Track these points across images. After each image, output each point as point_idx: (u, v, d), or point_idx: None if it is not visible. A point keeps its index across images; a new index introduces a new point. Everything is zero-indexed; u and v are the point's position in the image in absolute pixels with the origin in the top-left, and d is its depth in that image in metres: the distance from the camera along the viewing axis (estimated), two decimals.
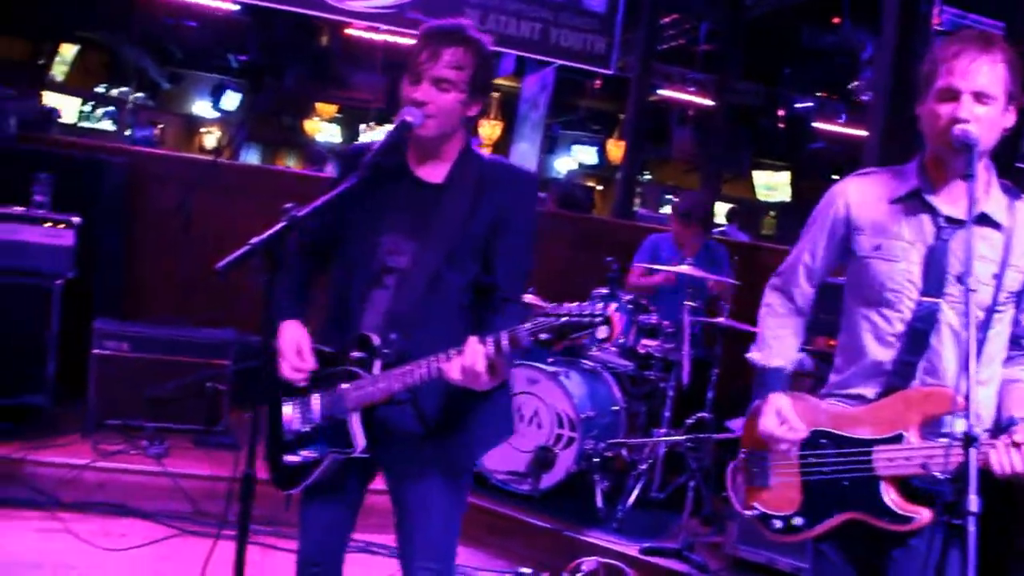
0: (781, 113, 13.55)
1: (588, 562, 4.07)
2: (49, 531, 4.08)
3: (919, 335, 2.25)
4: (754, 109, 13.94)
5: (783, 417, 2.35)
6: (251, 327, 5.33)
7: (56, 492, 4.31)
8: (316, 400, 2.44)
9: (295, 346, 2.42)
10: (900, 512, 2.19)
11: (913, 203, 2.29)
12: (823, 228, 2.44)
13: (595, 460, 4.63)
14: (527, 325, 2.08)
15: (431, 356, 2.21)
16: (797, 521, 2.35)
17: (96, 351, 4.82)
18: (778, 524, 2.38)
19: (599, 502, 4.58)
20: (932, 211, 2.26)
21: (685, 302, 4.72)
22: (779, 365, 2.48)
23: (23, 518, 4.16)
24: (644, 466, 4.70)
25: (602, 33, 7.56)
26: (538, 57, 7.65)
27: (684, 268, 4.78)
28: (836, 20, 9.90)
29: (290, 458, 2.47)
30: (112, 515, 4.29)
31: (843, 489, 2.27)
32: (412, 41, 2.43)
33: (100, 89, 16.61)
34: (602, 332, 2.03)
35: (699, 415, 4.85)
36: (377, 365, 2.33)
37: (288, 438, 2.48)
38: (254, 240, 2.07)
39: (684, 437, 4.57)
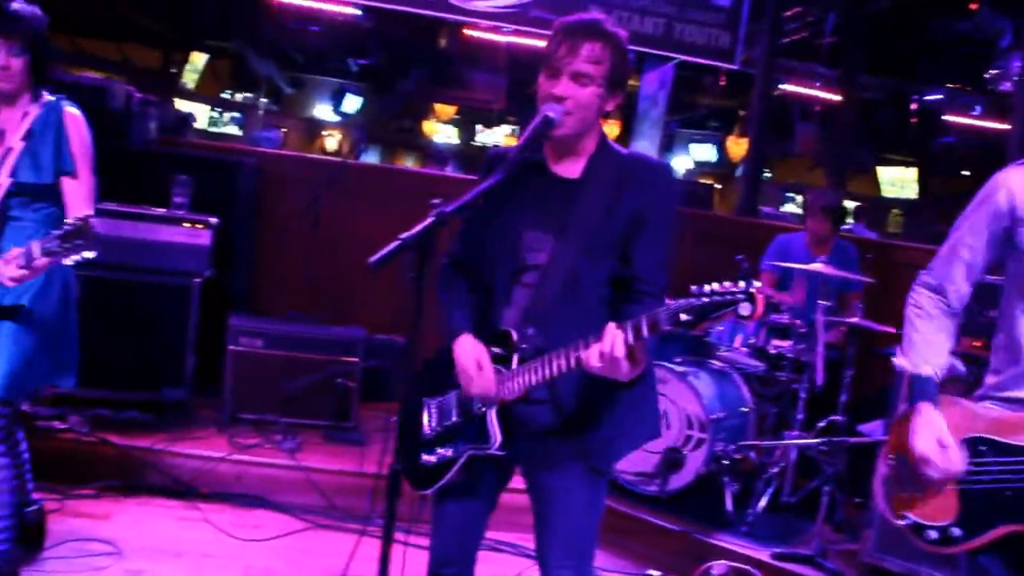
0: (913, 107, 13.03)
1: (718, 565, 3.98)
2: (188, 520, 4.22)
3: None
4: (880, 103, 13.45)
5: (943, 442, 2.23)
6: (374, 325, 5.45)
7: (194, 482, 4.45)
8: (453, 397, 2.46)
9: (475, 362, 2.36)
10: None
11: None
12: (983, 221, 2.31)
13: (724, 462, 4.53)
14: (664, 308, 2.03)
15: (569, 347, 2.19)
16: (955, 532, 2.22)
17: (232, 347, 4.98)
18: (933, 535, 2.26)
19: (728, 505, 4.48)
20: None
21: (818, 301, 4.57)
22: (929, 374, 2.33)
23: (165, 507, 4.32)
24: (775, 470, 4.58)
25: (727, 27, 7.42)
26: (662, 53, 7.54)
27: (817, 267, 4.63)
28: (974, 6, 9.46)
29: (427, 457, 2.48)
30: (248, 507, 4.42)
31: (1006, 499, 2.15)
32: (534, 41, 2.43)
33: (227, 95, 17.19)
34: (745, 309, 1.96)
35: (831, 418, 4.70)
36: (515, 360, 2.33)
37: (426, 437, 2.50)
38: (404, 235, 2.08)
39: (818, 440, 4.42)
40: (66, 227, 2.68)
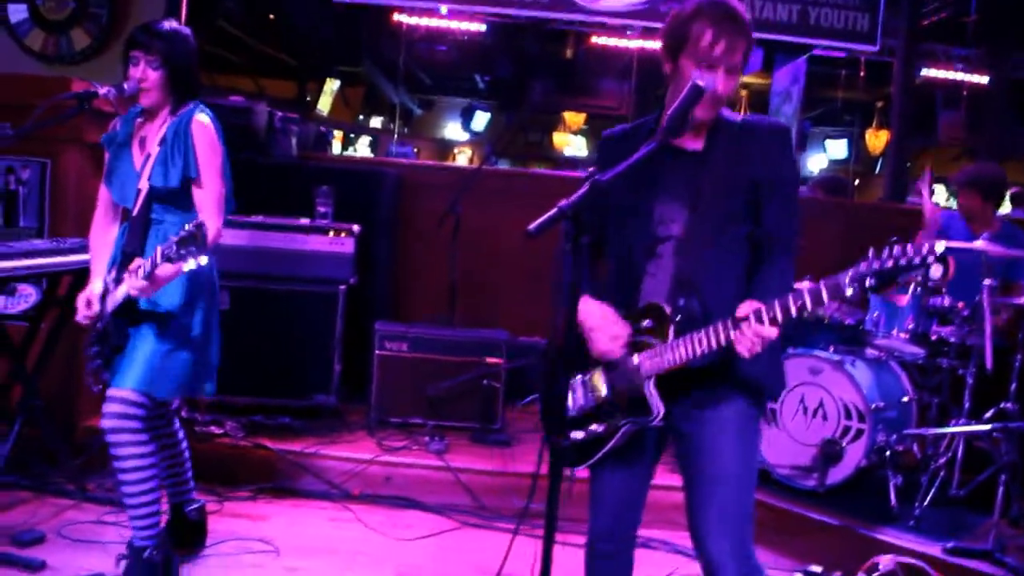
0: None
1: (886, 561, 3.75)
2: (341, 520, 4.28)
3: None
4: None
5: None
6: (515, 328, 5.45)
7: (345, 484, 4.52)
8: (600, 375, 2.44)
9: (602, 315, 2.41)
10: None
11: None
12: None
13: (886, 454, 4.31)
14: (848, 272, 1.99)
15: (719, 324, 2.20)
16: None
17: (378, 352, 5.06)
18: None
19: (892, 500, 4.25)
20: None
21: (983, 282, 4.30)
22: None
23: (318, 507, 4.40)
24: (941, 460, 4.32)
25: (864, 8, 7.13)
26: (798, 40, 7.30)
27: (980, 244, 4.36)
28: None
29: (577, 434, 2.45)
30: (398, 507, 4.46)
31: None
32: (658, 44, 2.44)
33: (359, 120, 17.67)
34: (937, 271, 1.92)
35: (1001, 406, 4.41)
36: (671, 332, 2.30)
37: (573, 414, 2.47)
38: (562, 203, 2.07)
39: (990, 427, 4.15)
40: (181, 233, 2.76)
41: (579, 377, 2.49)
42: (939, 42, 11.68)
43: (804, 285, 2.10)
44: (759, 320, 2.14)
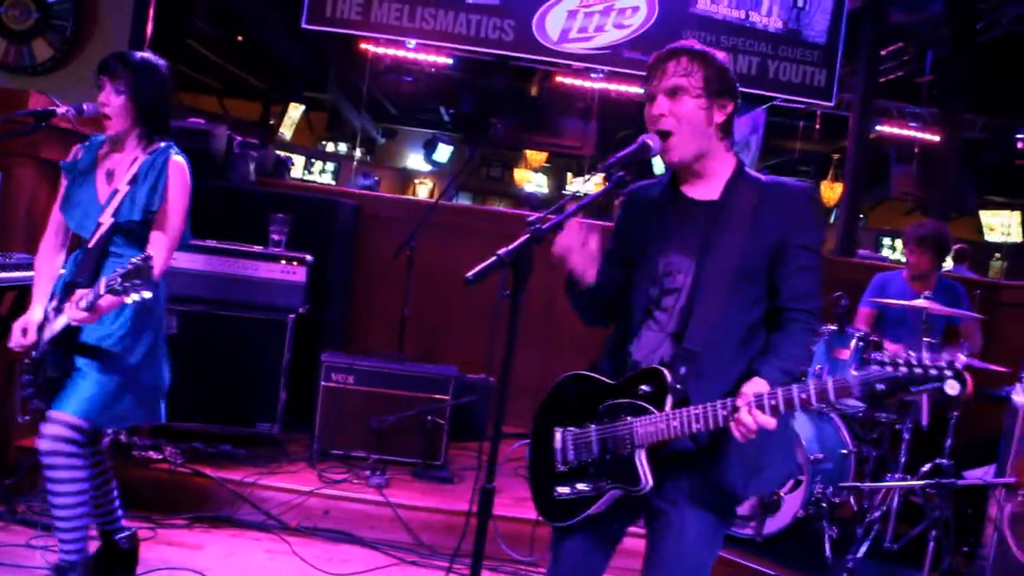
0: (1018, 146, 12.58)
1: None
2: (276, 552, 4.23)
3: None
4: (983, 143, 13.03)
5: None
6: (467, 364, 5.45)
7: (283, 516, 4.48)
8: (595, 432, 2.37)
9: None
10: None
11: None
12: None
13: (823, 506, 4.36)
14: (857, 375, 1.95)
15: (718, 404, 2.15)
16: None
17: (324, 383, 5.02)
18: None
19: (827, 550, 4.30)
20: None
21: (923, 339, 4.40)
22: None
23: (254, 538, 4.34)
24: (876, 514, 4.38)
25: (822, 65, 7.31)
26: (757, 92, 7.46)
27: (920, 302, 4.46)
28: None
29: (562, 490, 2.40)
30: (335, 541, 4.41)
31: None
32: (624, 87, 2.48)
33: (322, 146, 17.67)
34: (952, 387, 1.85)
35: (936, 462, 4.49)
36: (669, 401, 2.25)
37: (560, 469, 2.41)
38: (501, 251, 2.07)
39: (924, 482, 4.22)
40: (128, 266, 2.76)
41: (571, 431, 2.41)
42: (894, 100, 11.98)
43: (812, 383, 2.04)
44: (759, 407, 2.08)
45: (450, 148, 17.13)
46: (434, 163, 17.46)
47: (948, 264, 10.49)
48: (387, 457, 4.97)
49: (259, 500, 4.51)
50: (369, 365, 5.07)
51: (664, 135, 2.31)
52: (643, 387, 2.28)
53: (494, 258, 2.05)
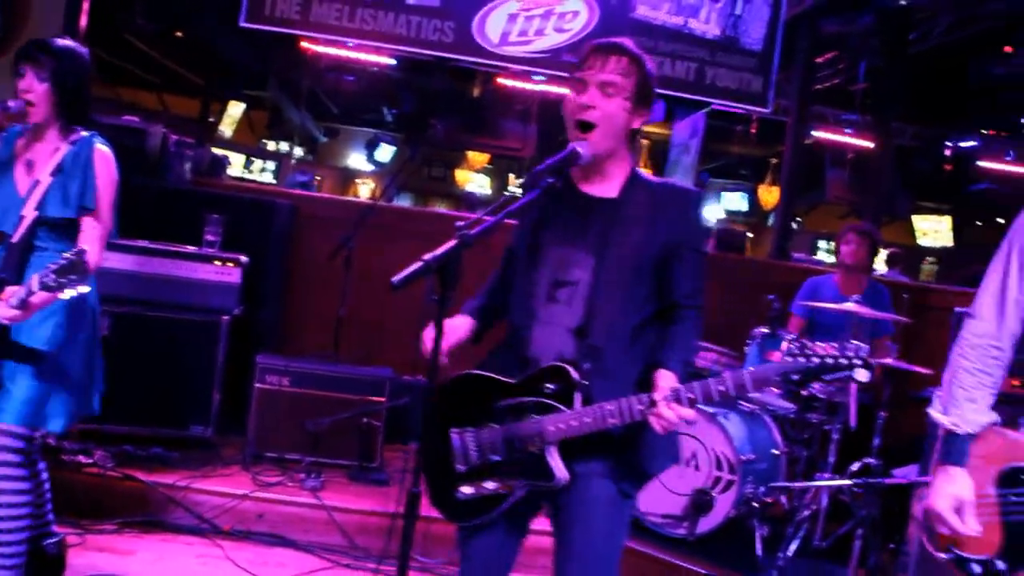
0: (947, 154, 12.94)
1: None
2: (209, 557, 4.18)
3: None
4: (914, 150, 13.37)
5: (960, 505, 2.20)
6: (403, 365, 5.43)
7: (217, 520, 4.43)
8: (499, 431, 2.38)
9: (451, 329, 2.47)
10: None
11: None
12: None
13: (754, 505, 4.44)
14: (773, 366, 2.06)
15: (633, 399, 2.20)
16: (998, 565, 2.17)
17: (258, 385, 4.97)
18: (977, 568, 2.20)
19: (758, 549, 4.38)
20: None
21: (851, 342, 4.48)
22: (968, 432, 2.27)
23: (186, 543, 4.29)
24: (806, 513, 4.47)
25: (758, 72, 7.43)
26: (694, 98, 7.57)
27: (849, 306, 4.56)
28: (1008, 49, 9.42)
29: (466, 490, 2.41)
30: (269, 545, 4.37)
31: None
32: (565, 90, 2.48)
33: (263, 144, 17.47)
34: (862, 375, 1.99)
35: (865, 461, 4.59)
36: (578, 399, 2.28)
37: (461, 469, 2.43)
38: (427, 257, 2.07)
39: (851, 482, 4.31)
40: (61, 261, 2.70)
41: (470, 431, 2.43)
42: (831, 106, 12.22)
43: (729, 376, 2.12)
44: (677, 400, 2.15)
45: (392, 148, 17.06)
46: (376, 163, 17.38)
47: (883, 268, 10.74)
48: (322, 459, 4.93)
49: (192, 504, 4.45)
50: (304, 367, 5.03)
51: (586, 127, 2.34)
52: (548, 385, 2.31)
53: (420, 263, 2.05)
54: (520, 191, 2.49)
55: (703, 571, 4.26)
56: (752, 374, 2.08)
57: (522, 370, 2.39)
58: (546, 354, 2.37)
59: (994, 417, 2.29)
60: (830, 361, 2.00)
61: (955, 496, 2.22)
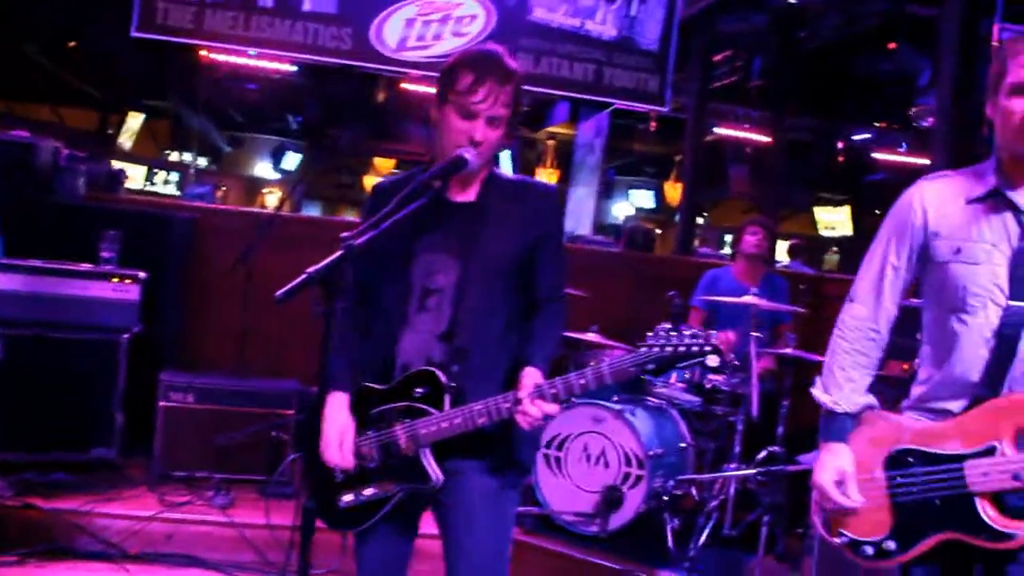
0: (839, 146, 13.36)
1: None
2: None
3: (1008, 342, 2.14)
4: (811, 144, 13.77)
5: (842, 479, 2.29)
6: (309, 377, 5.37)
7: (123, 543, 4.32)
8: (374, 438, 2.40)
9: (339, 437, 2.40)
10: (1000, 529, 2.08)
11: (993, 202, 2.19)
12: (902, 239, 2.32)
13: (664, 499, 4.51)
14: (629, 357, 2.12)
15: (499, 399, 2.24)
16: (889, 545, 2.23)
17: (162, 403, 4.87)
18: (869, 550, 2.26)
19: (670, 542, 4.45)
20: (1015, 209, 2.16)
21: (750, 333, 4.61)
22: (847, 411, 2.35)
23: (92, 569, 4.17)
24: (715, 503, 4.57)
25: (655, 71, 7.57)
26: (592, 98, 7.68)
27: (747, 299, 4.68)
28: (892, 46, 9.78)
29: (347, 498, 2.43)
30: (178, 566, 4.28)
31: (936, 508, 2.16)
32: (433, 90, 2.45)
33: (165, 155, 17.11)
34: (713, 360, 2.07)
35: (770, 450, 4.71)
36: (447, 401, 2.31)
37: (340, 478, 2.44)
38: (311, 269, 2.06)
39: (754, 471, 4.43)
40: None
41: None
42: (729, 103, 12.51)
43: (589, 370, 2.18)
44: (541, 396, 2.19)
45: (299, 156, 16.87)
46: (282, 171, 17.18)
47: (785, 259, 11.01)
48: (231, 476, 4.84)
49: (97, 529, 4.33)
50: (209, 382, 4.94)
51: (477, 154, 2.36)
52: (418, 389, 2.35)
53: (304, 276, 2.04)
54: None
55: (617, 566, 4.32)
56: (610, 366, 2.15)
57: (394, 376, 2.42)
58: (416, 359, 2.40)
59: (871, 399, 2.38)
60: (682, 349, 2.08)
61: (837, 469, 2.30)
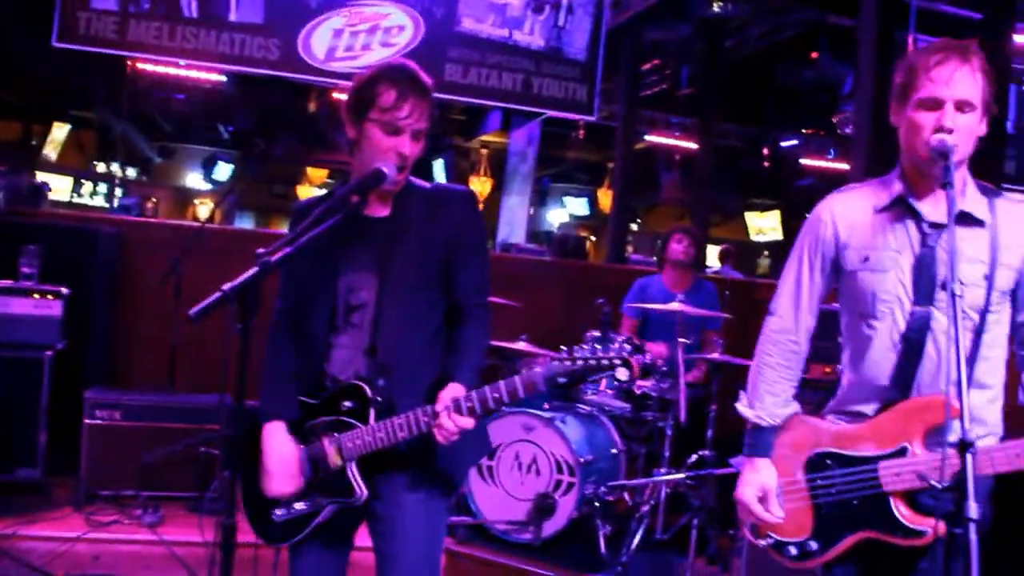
0: (766, 152, 13.62)
1: None
2: None
3: (914, 345, 2.20)
4: (740, 150, 14.01)
5: (764, 495, 2.34)
6: (239, 393, 5.30)
7: (49, 566, 4.23)
8: (304, 452, 2.41)
9: (282, 464, 2.40)
10: (912, 526, 2.14)
11: (897, 210, 2.26)
12: (815, 252, 2.38)
13: (596, 505, 4.55)
14: (540, 371, 2.14)
15: (419, 411, 2.25)
16: (812, 545, 2.29)
17: (88, 421, 4.78)
18: (793, 551, 2.32)
19: (602, 547, 4.49)
20: (917, 217, 2.23)
21: (679, 339, 4.68)
22: (771, 424, 2.40)
23: None
24: (646, 508, 4.62)
25: (583, 80, 7.65)
26: (521, 108, 7.74)
27: (675, 306, 4.75)
28: (814, 55, 10.01)
29: (279, 512, 2.42)
30: None
31: (854, 508, 2.23)
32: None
33: (93, 166, 16.76)
34: (622, 374, 2.10)
35: (700, 453, 4.79)
36: (372, 415, 2.33)
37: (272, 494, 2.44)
38: (226, 286, 2.04)
39: (683, 475, 4.49)
40: None
41: None
42: (660, 111, 12.67)
43: (503, 384, 2.19)
44: (458, 411, 2.21)
45: (230, 166, 16.65)
46: (214, 182, 16.92)
47: (716, 264, 11.19)
48: (160, 493, 4.77)
49: (20, 552, 4.22)
50: (137, 399, 4.86)
51: (400, 169, 2.36)
52: (346, 403, 2.37)
53: (219, 293, 2.02)
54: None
55: (550, 573, 4.35)
56: (522, 379, 2.17)
57: (324, 391, 2.43)
58: (344, 374, 2.42)
59: (795, 408, 2.43)
60: (592, 363, 2.12)
61: (760, 486, 2.35)
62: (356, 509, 2.41)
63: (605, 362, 2.11)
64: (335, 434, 2.36)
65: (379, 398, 2.33)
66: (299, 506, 2.41)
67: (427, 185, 2.50)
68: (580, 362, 2.11)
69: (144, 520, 4.52)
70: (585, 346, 2.14)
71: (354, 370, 2.40)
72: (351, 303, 2.42)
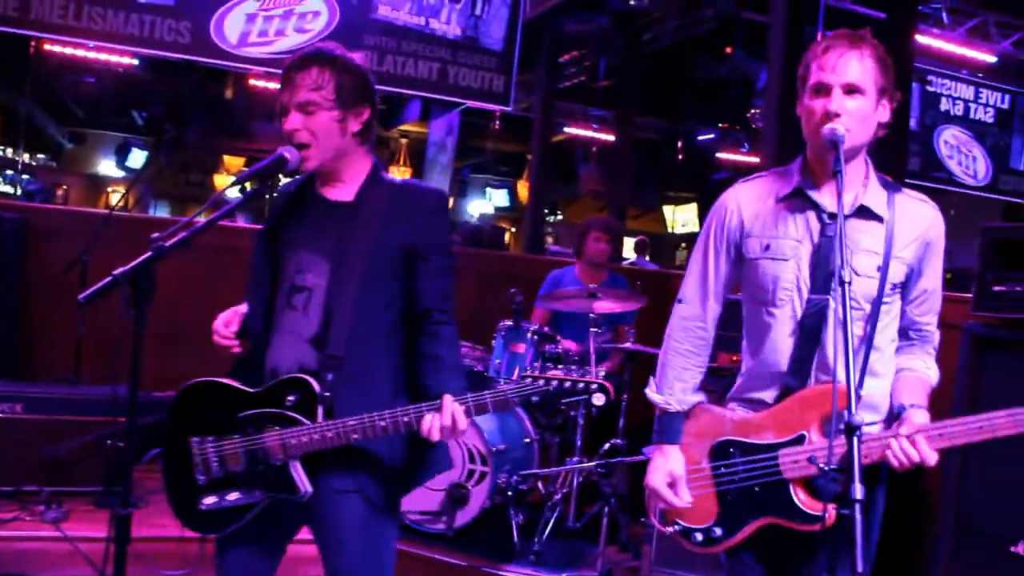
0: (681, 145, 13.82)
1: None
2: None
3: (810, 333, 2.26)
4: (657, 143, 14.19)
5: (674, 480, 2.38)
6: (147, 383, 5.20)
7: None
8: (240, 443, 2.31)
9: (224, 319, 2.37)
10: (810, 512, 2.20)
11: (797, 200, 2.31)
12: (720, 239, 2.41)
13: (509, 494, 4.58)
14: (515, 390, 2.15)
15: (376, 415, 2.18)
16: (716, 532, 2.34)
17: None
18: (699, 537, 2.37)
19: (515, 536, 4.52)
20: (816, 207, 2.28)
21: (591, 329, 4.73)
22: (679, 410, 2.43)
23: None
24: (559, 496, 4.67)
25: (500, 71, 7.66)
26: (437, 97, 7.72)
27: (596, 306, 4.79)
28: (729, 50, 10.17)
29: (209, 501, 2.32)
30: None
31: (755, 495, 2.28)
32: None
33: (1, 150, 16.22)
34: (599, 399, 2.16)
35: (612, 442, 4.85)
36: (320, 412, 2.24)
37: (202, 480, 2.34)
38: (117, 271, 1.99)
39: (593, 463, 4.55)
40: None
41: (211, 441, 2.33)
42: (578, 102, 12.75)
43: (471, 398, 2.18)
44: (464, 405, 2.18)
45: (144, 153, 16.26)
46: (128, 169, 16.50)
47: (631, 255, 11.31)
48: (64, 488, 4.63)
49: None
50: (39, 391, 4.72)
51: (301, 147, 2.30)
52: (290, 397, 2.27)
53: (109, 278, 1.98)
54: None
55: (463, 563, 4.36)
56: (493, 397, 2.16)
57: (264, 380, 2.34)
58: (285, 364, 2.33)
59: (701, 396, 2.48)
60: (568, 386, 2.15)
61: (669, 472, 2.39)
62: (292, 507, 2.31)
63: (581, 386, 2.14)
64: (278, 428, 2.26)
65: (327, 394, 2.24)
66: (232, 497, 2.30)
67: (397, 180, 2.44)
68: (555, 383, 2.13)
69: (47, 516, 4.39)
70: (556, 370, 2.16)
71: (299, 362, 2.31)
72: (296, 283, 2.35)
